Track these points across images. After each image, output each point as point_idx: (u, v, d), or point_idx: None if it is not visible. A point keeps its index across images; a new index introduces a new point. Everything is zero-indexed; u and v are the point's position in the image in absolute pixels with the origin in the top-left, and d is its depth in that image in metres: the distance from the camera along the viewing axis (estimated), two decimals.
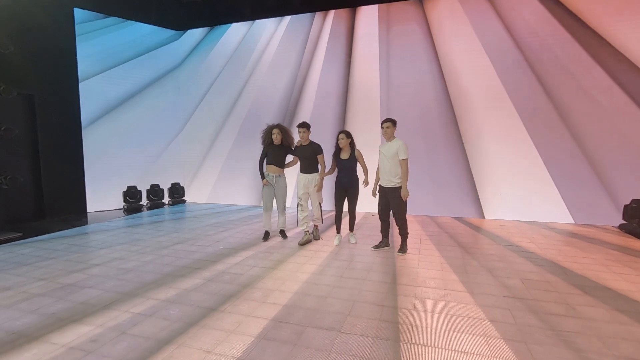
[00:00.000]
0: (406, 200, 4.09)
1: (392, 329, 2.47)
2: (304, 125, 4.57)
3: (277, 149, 4.70)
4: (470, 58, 6.59)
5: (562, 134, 6.07)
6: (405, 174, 4.01)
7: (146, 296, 3.08)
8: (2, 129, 5.11)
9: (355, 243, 4.69)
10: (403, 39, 7.03)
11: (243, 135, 8.19)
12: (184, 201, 8.66)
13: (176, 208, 7.97)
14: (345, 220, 4.79)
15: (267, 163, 4.76)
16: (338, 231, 4.72)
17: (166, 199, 8.40)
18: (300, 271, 3.69)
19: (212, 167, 8.57)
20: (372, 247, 4.45)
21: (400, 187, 4.07)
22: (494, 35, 6.45)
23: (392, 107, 7.07)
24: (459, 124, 6.68)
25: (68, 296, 3.10)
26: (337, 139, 4.46)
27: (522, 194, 6.30)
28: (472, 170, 6.60)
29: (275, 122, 4.87)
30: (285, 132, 4.71)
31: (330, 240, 4.87)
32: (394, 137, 4.13)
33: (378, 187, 4.34)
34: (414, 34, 6.97)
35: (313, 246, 4.62)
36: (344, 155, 4.46)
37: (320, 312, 2.74)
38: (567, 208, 6.06)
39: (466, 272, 3.65)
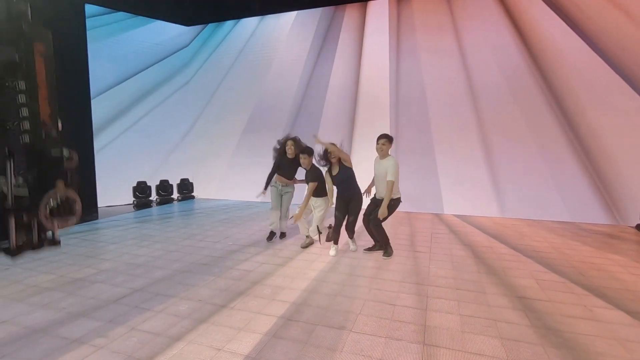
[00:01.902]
0: (384, 219, 3.97)
1: (405, 329, 2.42)
2: (305, 152, 4.34)
3: (289, 162, 4.61)
4: (481, 55, 6.46)
5: (574, 133, 5.92)
6: (388, 195, 3.85)
7: (156, 292, 3.07)
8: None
9: (355, 251, 4.40)
10: (414, 33, 6.92)
11: (252, 130, 8.17)
12: (193, 197, 8.68)
13: (185, 204, 8.00)
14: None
15: (278, 173, 4.70)
16: (335, 243, 4.34)
17: (175, 195, 8.43)
18: (309, 268, 3.65)
19: (221, 162, 8.56)
20: (365, 250, 4.32)
21: (393, 200, 3.94)
22: (504, 33, 6.31)
23: (401, 102, 6.97)
24: (470, 120, 6.56)
25: (78, 291, 3.11)
26: (327, 154, 4.15)
27: (535, 192, 6.17)
28: (483, 167, 6.48)
29: (291, 135, 4.74)
30: (299, 146, 4.55)
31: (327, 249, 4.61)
32: (388, 155, 3.99)
33: (371, 198, 4.23)
34: (425, 28, 6.85)
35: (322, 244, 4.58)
36: (334, 170, 4.21)
37: (330, 311, 2.70)
38: (582, 207, 5.92)
39: (478, 271, 3.57)
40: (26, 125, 1.01)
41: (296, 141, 4.61)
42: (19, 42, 0.99)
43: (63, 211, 1.01)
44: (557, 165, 6.03)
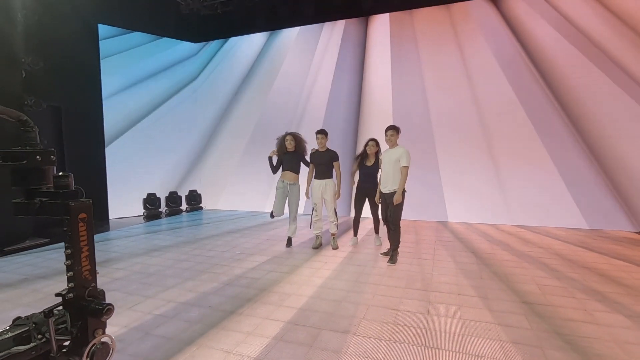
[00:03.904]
0: (401, 209, 4.15)
1: (406, 333, 2.51)
2: (322, 132, 4.73)
3: (291, 155, 4.84)
4: (483, 63, 6.59)
5: (580, 139, 5.98)
6: (403, 181, 4.07)
7: (167, 299, 3.20)
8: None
9: (380, 245, 4.81)
10: (416, 45, 7.09)
11: (258, 142, 8.35)
12: (201, 208, 8.85)
13: (194, 214, 8.16)
14: (366, 223, 4.84)
15: (283, 170, 4.88)
16: (355, 234, 4.89)
17: (184, 206, 8.61)
18: (315, 276, 3.75)
19: (228, 174, 8.75)
20: (381, 254, 4.47)
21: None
22: (505, 42, 6.45)
23: (404, 112, 7.10)
24: (474, 129, 6.66)
25: None
26: (367, 145, 4.61)
27: (538, 199, 6.21)
28: (488, 175, 6.55)
29: (289, 131, 5.01)
30: (298, 139, 4.86)
31: (345, 245, 4.91)
32: (397, 145, 4.24)
33: (379, 193, 4.41)
34: (427, 39, 7.02)
35: (328, 252, 4.68)
36: (370, 162, 4.61)
37: (335, 316, 2.80)
38: (585, 214, 5.94)
39: (481, 277, 3.64)
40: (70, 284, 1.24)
41: (294, 136, 4.86)
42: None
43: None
44: (563, 172, 6.08)
